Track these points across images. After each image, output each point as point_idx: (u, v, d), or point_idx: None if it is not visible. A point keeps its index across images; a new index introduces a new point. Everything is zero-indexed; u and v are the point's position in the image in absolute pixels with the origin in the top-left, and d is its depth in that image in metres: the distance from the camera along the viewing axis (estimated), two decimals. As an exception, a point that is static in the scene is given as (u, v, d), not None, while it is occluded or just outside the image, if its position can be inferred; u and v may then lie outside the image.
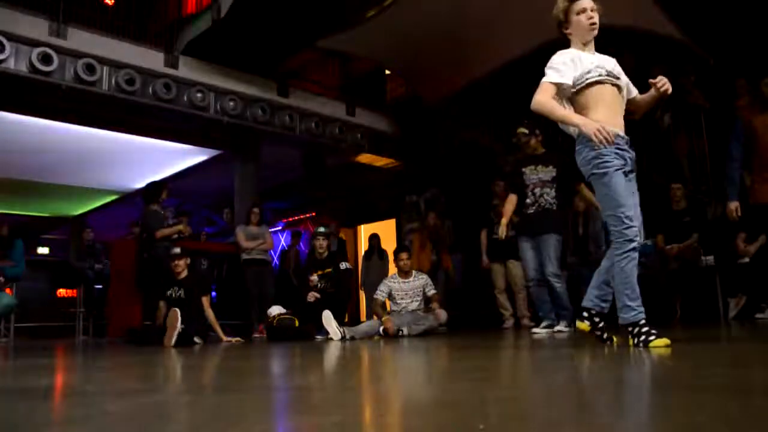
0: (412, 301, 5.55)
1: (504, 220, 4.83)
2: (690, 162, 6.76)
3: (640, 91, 3.09)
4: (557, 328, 4.66)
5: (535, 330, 4.78)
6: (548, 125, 3.54)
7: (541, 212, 4.77)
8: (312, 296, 5.63)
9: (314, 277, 5.77)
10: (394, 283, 5.63)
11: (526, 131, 4.98)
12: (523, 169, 4.88)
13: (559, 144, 5.20)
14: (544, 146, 4.98)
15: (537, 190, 4.80)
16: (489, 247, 6.72)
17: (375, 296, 5.73)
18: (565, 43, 2.89)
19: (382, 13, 6.62)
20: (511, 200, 4.91)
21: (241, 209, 8.02)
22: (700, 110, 6.57)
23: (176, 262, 5.27)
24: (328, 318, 5.23)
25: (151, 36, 7.21)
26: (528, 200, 4.81)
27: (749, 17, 6.62)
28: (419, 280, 5.62)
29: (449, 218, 8.43)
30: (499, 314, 6.61)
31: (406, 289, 5.58)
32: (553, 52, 2.83)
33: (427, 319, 5.50)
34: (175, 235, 6.42)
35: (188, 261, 5.33)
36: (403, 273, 5.65)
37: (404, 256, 5.67)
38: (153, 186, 6.53)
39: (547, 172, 4.82)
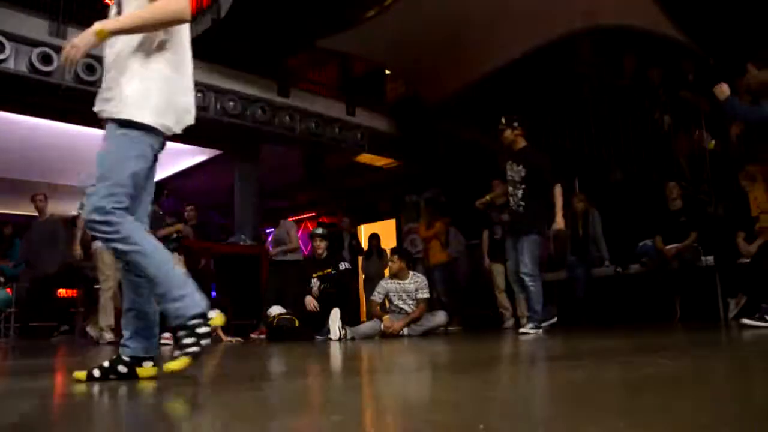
0: (408, 303, 5.53)
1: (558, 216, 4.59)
2: (690, 162, 6.75)
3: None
4: (522, 330, 4.62)
5: (522, 330, 4.75)
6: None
7: (514, 213, 4.73)
8: (311, 304, 5.61)
9: (315, 288, 5.73)
10: (391, 284, 5.62)
11: (503, 121, 4.82)
12: (506, 165, 4.81)
13: (541, 141, 5.09)
14: (526, 141, 4.82)
15: (510, 189, 4.73)
16: (489, 248, 6.72)
17: (372, 298, 5.72)
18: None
19: (382, 13, 6.62)
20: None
21: (241, 209, 8.02)
22: (700, 110, 6.56)
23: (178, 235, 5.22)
24: (334, 316, 5.22)
25: (151, 36, 7.20)
26: (509, 200, 4.80)
27: (749, 17, 6.61)
28: (414, 283, 5.58)
29: (449, 218, 8.42)
30: (500, 314, 6.61)
31: (401, 291, 5.56)
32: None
33: (427, 320, 5.50)
34: (174, 235, 6.42)
35: (181, 258, 5.27)
36: (397, 274, 5.62)
37: (394, 257, 5.65)
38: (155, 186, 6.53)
39: (517, 172, 4.70)
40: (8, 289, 6.78)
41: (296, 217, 12.02)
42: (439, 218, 7.41)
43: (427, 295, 5.55)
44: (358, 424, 1.22)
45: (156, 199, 6.61)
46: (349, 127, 8.54)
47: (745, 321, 4.07)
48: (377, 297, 5.62)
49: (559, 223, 4.54)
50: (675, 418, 1.14)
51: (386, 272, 6.89)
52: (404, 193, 9.32)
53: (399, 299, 5.54)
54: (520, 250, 4.61)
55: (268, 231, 8.78)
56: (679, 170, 6.77)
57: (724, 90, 4.15)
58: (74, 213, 5.79)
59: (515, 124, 4.79)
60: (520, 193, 4.65)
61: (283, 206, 11.68)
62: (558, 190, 4.61)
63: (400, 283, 5.57)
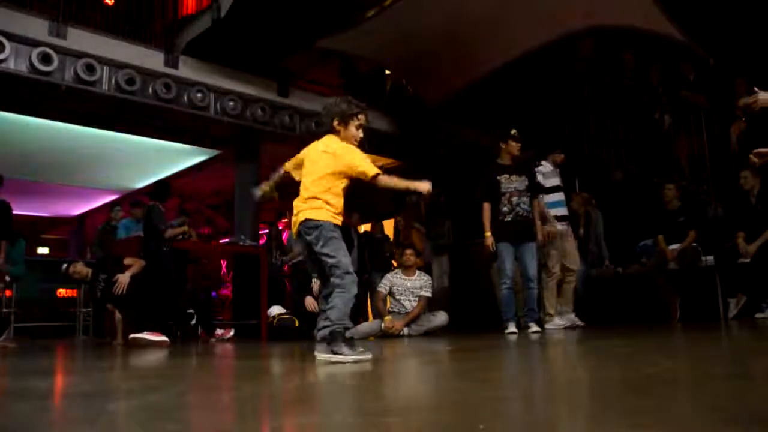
0: (411, 300, 5.54)
1: (488, 234, 4.90)
2: (690, 162, 6.76)
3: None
4: (534, 328, 4.75)
5: (534, 329, 4.78)
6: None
7: (519, 221, 4.89)
8: (311, 304, 5.61)
9: (315, 287, 5.73)
10: (397, 278, 5.62)
11: (517, 134, 5.08)
12: (498, 178, 4.96)
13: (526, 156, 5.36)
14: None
15: (514, 199, 4.90)
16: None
17: (378, 289, 5.72)
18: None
19: (382, 13, 6.61)
20: (488, 209, 4.95)
21: (241, 209, 8.01)
22: (700, 110, 6.56)
23: (74, 271, 5.21)
24: None
25: (151, 36, 7.19)
26: (504, 208, 4.90)
27: (749, 17, 6.61)
28: (419, 281, 5.60)
29: (449, 218, 8.42)
30: (499, 314, 6.60)
31: (406, 287, 5.57)
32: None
33: (428, 320, 5.50)
34: (180, 236, 6.42)
35: (76, 267, 5.25)
36: (407, 269, 5.64)
37: (409, 251, 5.69)
38: (162, 185, 6.52)
39: (521, 182, 4.95)
40: (8, 291, 6.77)
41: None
42: (413, 227, 7.59)
43: (428, 294, 5.56)
44: (359, 423, 1.22)
45: (162, 198, 6.63)
46: (350, 127, 8.53)
47: (758, 316, 4.21)
48: (383, 289, 5.64)
49: (544, 233, 4.97)
50: (675, 418, 1.14)
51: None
52: (404, 193, 9.31)
53: (401, 295, 5.55)
54: (529, 255, 4.86)
55: (262, 232, 8.77)
56: (679, 170, 6.77)
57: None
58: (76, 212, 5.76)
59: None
60: (527, 200, 4.91)
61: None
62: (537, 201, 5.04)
63: (405, 279, 5.58)
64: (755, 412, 1.18)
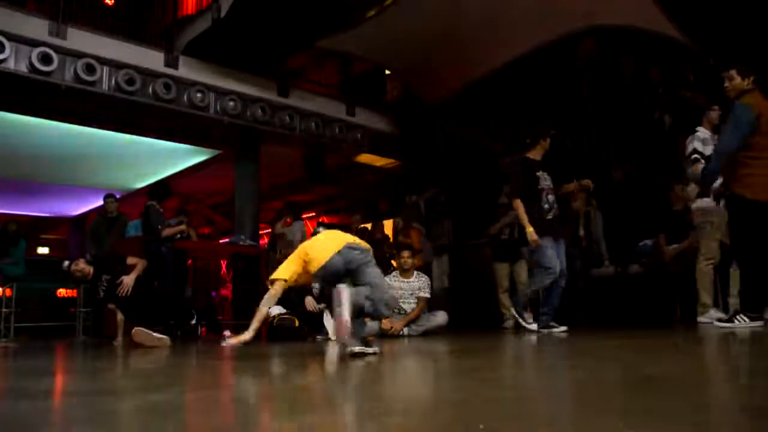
0: (410, 302, 5.52)
1: (531, 229, 4.63)
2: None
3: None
4: (562, 328, 4.66)
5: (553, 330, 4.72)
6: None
7: (558, 218, 4.86)
8: (310, 305, 5.61)
9: (315, 288, 5.72)
10: (395, 281, 5.61)
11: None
12: (537, 174, 4.86)
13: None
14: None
15: (550, 197, 4.84)
16: (495, 248, 6.69)
17: None
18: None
19: (382, 13, 6.62)
20: (521, 206, 4.72)
21: (241, 209, 8.02)
22: (700, 110, 6.56)
23: (76, 269, 5.10)
24: (328, 316, 5.23)
25: (151, 36, 7.20)
26: (545, 206, 4.79)
27: (749, 17, 6.61)
28: (418, 282, 5.58)
29: (449, 218, 8.42)
30: (500, 314, 6.60)
31: (405, 289, 5.55)
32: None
33: (427, 320, 5.50)
34: (178, 235, 6.43)
35: (79, 265, 5.11)
36: (404, 272, 5.62)
37: (406, 254, 5.64)
38: (161, 185, 6.51)
39: (549, 179, 4.89)
40: (8, 291, 6.78)
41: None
42: (412, 227, 7.59)
43: (427, 295, 5.53)
44: (359, 423, 1.22)
45: (160, 198, 6.63)
46: (349, 127, 8.54)
47: (717, 323, 4.02)
48: None
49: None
50: (675, 418, 1.14)
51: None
52: (404, 193, 9.33)
53: (400, 297, 5.53)
54: (561, 254, 4.75)
55: (263, 232, 8.79)
56: (680, 170, 6.77)
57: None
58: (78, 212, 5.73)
59: None
60: (553, 198, 4.86)
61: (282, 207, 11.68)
62: None
63: (403, 281, 5.56)
64: (755, 409, 1.18)
